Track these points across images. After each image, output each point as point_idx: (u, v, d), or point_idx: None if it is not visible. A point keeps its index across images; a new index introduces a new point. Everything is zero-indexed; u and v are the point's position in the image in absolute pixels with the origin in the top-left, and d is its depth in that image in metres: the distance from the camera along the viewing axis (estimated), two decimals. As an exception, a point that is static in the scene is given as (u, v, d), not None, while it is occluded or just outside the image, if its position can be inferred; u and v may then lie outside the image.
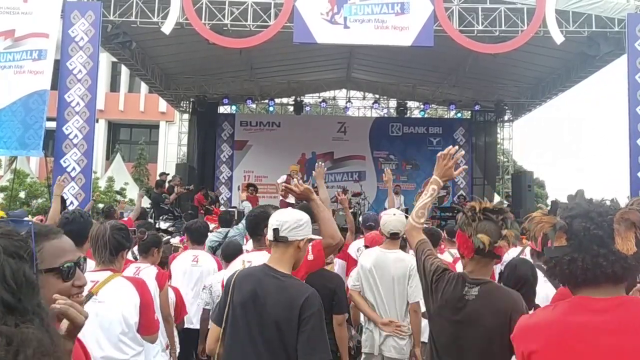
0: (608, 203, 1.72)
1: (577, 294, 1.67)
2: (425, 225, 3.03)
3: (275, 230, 2.80)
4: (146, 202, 18.01)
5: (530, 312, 2.45)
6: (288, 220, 2.83)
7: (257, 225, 3.51)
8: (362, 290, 4.77)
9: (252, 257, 3.45)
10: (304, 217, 2.90)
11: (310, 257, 3.23)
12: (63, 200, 7.63)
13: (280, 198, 12.87)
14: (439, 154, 3.01)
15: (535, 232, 1.77)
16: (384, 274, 4.65)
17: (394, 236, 4.74)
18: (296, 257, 2.85)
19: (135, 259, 5.14)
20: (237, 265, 3.51)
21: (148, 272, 4.72)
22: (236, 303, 2.74)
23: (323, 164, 4.78)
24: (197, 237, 6.02)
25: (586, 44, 12.23)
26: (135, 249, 5.24)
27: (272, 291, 2.67)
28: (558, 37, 11.44)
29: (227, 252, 5.49)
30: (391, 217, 4.81)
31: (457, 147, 3.05)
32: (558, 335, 1.59)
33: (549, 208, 1.83)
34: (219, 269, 5.46)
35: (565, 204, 1.77)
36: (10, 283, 1.06)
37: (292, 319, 2.60)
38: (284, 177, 13.17)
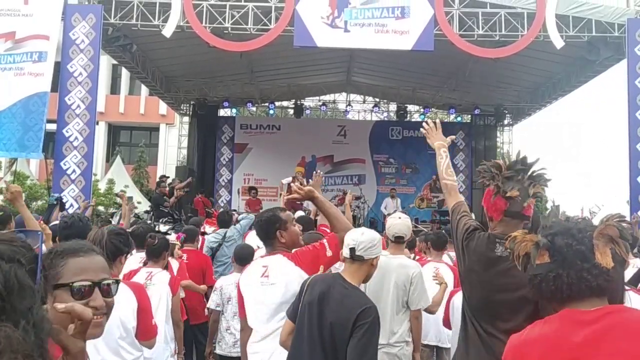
0: (587, 220, 1.83)
1: (565, 308, 1.70)
2: (455, 182, 3.08)
3: (352, 250, 3.06)
4: (145, 205, 18.02)
5: None
6: (364, 241, 3.06)
7: (268, 229, 3.49)
8: None
9: (268, 262, 3.45)
10: (377, 236, 3.15)
11: (329, 253, 3.29)
12: (62, 203, 7.60)
13: (284, 197, 12.88)
14: (425, 128, 3.27)
15: (519, 251, 1.80)
16: (384, 280, 4.59)
17: (398, 240, 4.67)
18: (368, 272, 3.13)
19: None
20: (255, 269, 3.51)
21: (160, 277, 4.71)
22: (305, 302, 3.04)
23: (321, 172, 4.79)
24: (139, 242, 5.37)
25: (586, 49, 12.24)
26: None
27: (336, 297, 2.96)
28: (558, 42, 11.46)
29: (241, 256, 5.49)
30: (396, 221, 4.74)
31: (437, 121, 3.26)
32: (553, 350, 1.60)
33: (529, 227, 1.91)
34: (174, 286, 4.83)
35: (545, 222, 1.81)
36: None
37: (346, 324, 2.85)
38: (289, 179, 13.22)
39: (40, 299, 1.18)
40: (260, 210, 13.87)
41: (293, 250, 3.45)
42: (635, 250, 5.14)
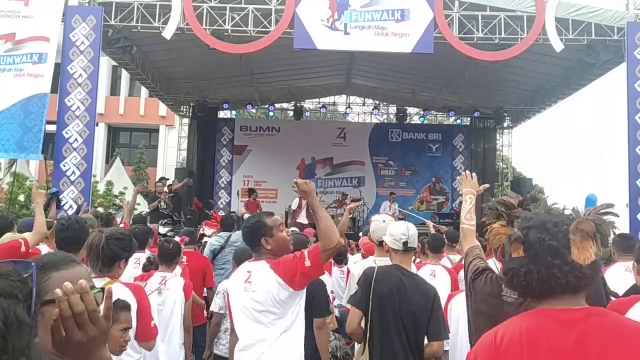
0: (568, 212, 1.72)
1: (540, 306, 1.66)
2: (475, 227, 3.10)
3: (405, 243, 3.75)
4: (145, 207, 18.01)
5: None
6: (413, 234, 3.81)
7: (253, 235, 3.42)
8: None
9: (252, 267, 3.39)
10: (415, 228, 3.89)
11: (307, 263, 3.15)
12: (58, 199, 7.57)
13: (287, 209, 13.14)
14: (461, 176, 3.40)
15: (493, 244, 1.77)
16: None
17: (382, 243, 4.66)
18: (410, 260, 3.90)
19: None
20: (240, 274, 3.47)
21: (175, 282, 4.72)
22: (380, 294, 3.55)
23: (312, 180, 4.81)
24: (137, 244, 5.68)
25: (585, 52, 12.25)
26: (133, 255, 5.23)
27: (412, 286, 3.57)
28: (558, 45, 11.47)
29: (242, 258, 5.47)
30: (380, 224, 4.69)
31: (473, 174, 3.35)
32: (529, 350, 1.55)
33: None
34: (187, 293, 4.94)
35: (525, 214, 1.76)
36: None
37: (427, 307, 3.53)
38: (296, 201, 13.57)
39: (35, 334, 1.18)
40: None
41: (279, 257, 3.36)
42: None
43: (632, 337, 1.52)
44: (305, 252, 3.24)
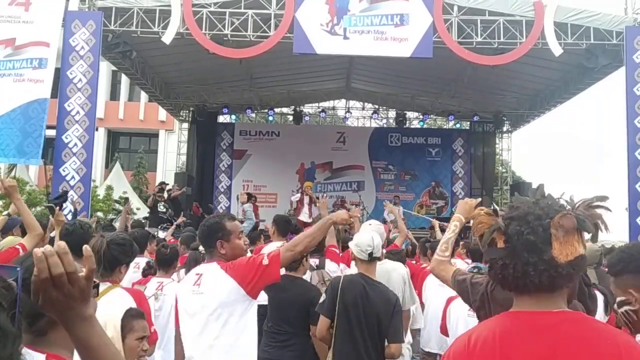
0: (562, 202, 1.63)
1: (517, 301, 1.61)
2: (448, 259, 3.05)
3: (370, 253, 3.98)
4: (144, 211, 18.00)
5: None
6: (378, 244, 4.02)
7: (209, 236, 3.28)
8: None
9: (203, 270, 3.27)
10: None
11: (265, 261, 3.05)
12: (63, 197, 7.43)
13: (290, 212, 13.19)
14: (461, 201, 3.20)
15: (475, 232, 1.69)
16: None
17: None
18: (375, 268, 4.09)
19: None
20: (190, 277, 3.35)
21: (171, 288, 4.69)
22: (345, 303, 3.78)
23: (326, 195, 4.90)
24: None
25: (584, 56, 12.28)
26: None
27: (375, 294, 3.80)
28: (556, 49, 11.50)
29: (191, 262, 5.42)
30: (374, 227, 4.82)
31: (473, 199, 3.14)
32: (502, 355, 1.51)
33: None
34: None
35: (513, 202, 1.69)
36: None
37: (388, 312, 3.78)
38: (297, 195, 13.53)
39: (20, 342, 1.13)
40: (257, 217, 13.91)
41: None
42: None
43: (606, 347, 1.47)
44: (266, 253, 3.15)
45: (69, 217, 9.85)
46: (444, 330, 4.93)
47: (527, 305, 1.57)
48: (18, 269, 1.28)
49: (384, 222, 11.08)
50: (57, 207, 4.71)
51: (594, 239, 1.64)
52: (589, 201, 1.63)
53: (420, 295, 5.88)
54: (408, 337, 4.89)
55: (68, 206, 10.72)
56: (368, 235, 4.11)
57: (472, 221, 1.76)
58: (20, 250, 3.93)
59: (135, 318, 2.88)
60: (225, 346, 3.04)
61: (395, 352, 3.83)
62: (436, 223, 9.23)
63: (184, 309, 3.27)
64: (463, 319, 4.43)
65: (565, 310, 1.58)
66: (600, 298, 3.99)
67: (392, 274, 4.66)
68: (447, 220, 14.94)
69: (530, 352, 1.49)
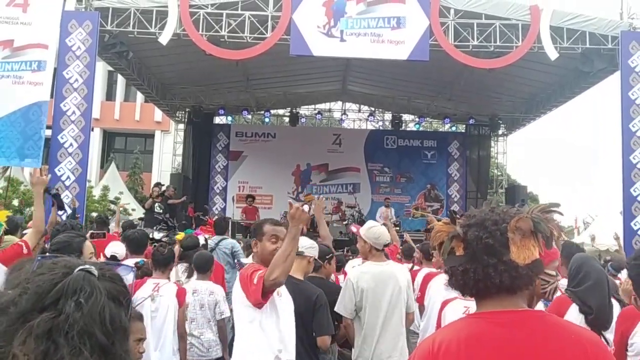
0: (515, 210, 1.67)
1: (479, 305, 1.63)
2: None
3: (300, 252, 3.85)
4: (140, 212, 17.96)
5: None
6: (305, 243, 3.98)
7: (251, 233, 3.58)
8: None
9: (243, 267, 3.52)
10: (313, 242, 4.26)
11: (254, 280, 3.12)
12: (59, 198, 7.32)
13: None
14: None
15: (433, 241, 1.73)
16: (387, 287, 4.56)
17: (385, 246, 4.75)
18: (307, 268, 4.08)
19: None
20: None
21: (168, 288, 4.69)
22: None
23: (323, 197, 4.96)
24: (135, 248, 5.48)
25: (580, 60, 12.34)
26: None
27: (295, 292, 3.62)
28: (552, 53, 11.54)
29: (200, 264, 5.42)
30: (380, 228, 4.77)
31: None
32: (467, 356, 1.51)
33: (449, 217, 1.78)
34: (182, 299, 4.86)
35: (470, 212, 1.72)
36: (108, 326, 1.08)
37: (309, 307, 3.84)
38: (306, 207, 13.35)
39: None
40: (257, 219, 13.91)
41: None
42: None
43: (572, 343, 1.50)
44: (258, 272, 3.17)
45: (64, 217, 9.81)
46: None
47: (490, 307, 1.60)
48: (134, 268, 1.36)
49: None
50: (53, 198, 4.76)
51: (549, 244, 1.66)
52: (543, 207, 1.67)
53: (422, 297, 5.89)
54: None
55: (66, 210, 10.70)
56: (382, 228, 4.63)
57: (431, 231, 1.79)
58: (24, 247, 3.93)
59: (134, 320, 2.87)
60: (238, 348, 3.32)
61: (322, 345, 3.96)
62: (432, 218, 9.25)
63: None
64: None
65: (526, 309, 1.62)
66: (616, 306, 3.93)
67: (397, 275, 4.64)
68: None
69: (495, 350, 1.50)
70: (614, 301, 3.63)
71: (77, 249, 3.25)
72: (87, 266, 1.14)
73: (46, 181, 4.34)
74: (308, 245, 4.08)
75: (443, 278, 5.89)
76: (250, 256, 3.74)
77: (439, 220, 1.76)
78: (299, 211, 3.19)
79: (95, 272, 1.13)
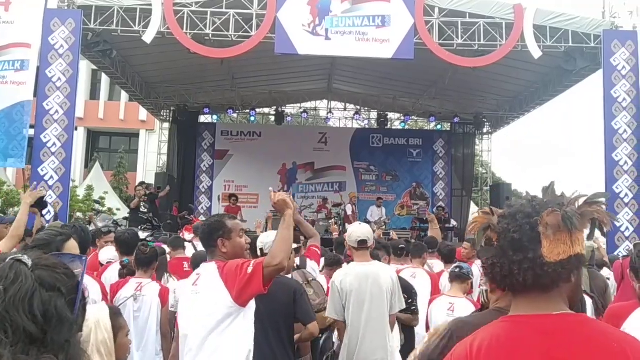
0: (555, 202, 1.53)
1: (514, 304, 1.56)
2: None
3: (262, 250, 3.98)
4: (124, 212, 17.86)
5: None
6: (268, 242, 3.83)
7: (210, 235, 3.29)
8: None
9: (203, 270, 3.27)
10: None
11: (249, 269, 3.02)
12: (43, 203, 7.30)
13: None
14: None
15: (469, 231, 1.68)
16: (372, 287, 4.54)
17: (362, 244, 4.65)
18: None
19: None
20: (191, 277, 3.37)
21: (151, 288, 4.66)
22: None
23: (291, 190, 4.92)
24: (126, 249, 5.42)
25: (563, 59, 12.44)
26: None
27: (273, 287, 3.24)
28: (536, 52, 11.63)
29: (198, 263, 5.40)
30: (355, 227, 4.80)
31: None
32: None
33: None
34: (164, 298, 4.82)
35: (510, 202, 1.61)
36: (36, 314, 1.05)
37: (289, 299, 3.86)
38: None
39: (78, 329, 1.16)
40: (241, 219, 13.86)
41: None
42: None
43: (614, 349, 1.40)
44: (253, 260, 3.11)
45: (47, 217, 9.73)
46: (428, 330, 4.98)
47: (524, 308, 1.51)
48: (84, 257, 1.32)
49: (367, 222, 11.11)
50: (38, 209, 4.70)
51: (590, 236, 1.57)
52: (587, 198, 1.54)
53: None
54: (397, 340, 4.86)
55: (50, 210, 10.60)
56: (358, 226, 4.73)
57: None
58: None
59: (119, 316, 2.87)
60: (211, 349, 3.04)
61: (314, 330, 4.04)
62: (433, 217, 9.33)
63: (182, 309, 3.32)
64: (443, 318, 4.47)
65: (566, 312, 1.50)
66: (589, 302, 3.99)
67: (380, 274, 4.63)
68: (425, 221, 14.91)
69: (535, 358, 1.42)
70: (586, 297, 3.67)
71: (56, 249, 3.06)
72: (18, 256, 1.12)
73: (36, 196, 4.36)
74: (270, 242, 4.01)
75: (409, 271, 5.96)
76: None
77: (419, 221, 1.74)
78: (277, 196, 3.24)
79: (28, 261, 1.11)
